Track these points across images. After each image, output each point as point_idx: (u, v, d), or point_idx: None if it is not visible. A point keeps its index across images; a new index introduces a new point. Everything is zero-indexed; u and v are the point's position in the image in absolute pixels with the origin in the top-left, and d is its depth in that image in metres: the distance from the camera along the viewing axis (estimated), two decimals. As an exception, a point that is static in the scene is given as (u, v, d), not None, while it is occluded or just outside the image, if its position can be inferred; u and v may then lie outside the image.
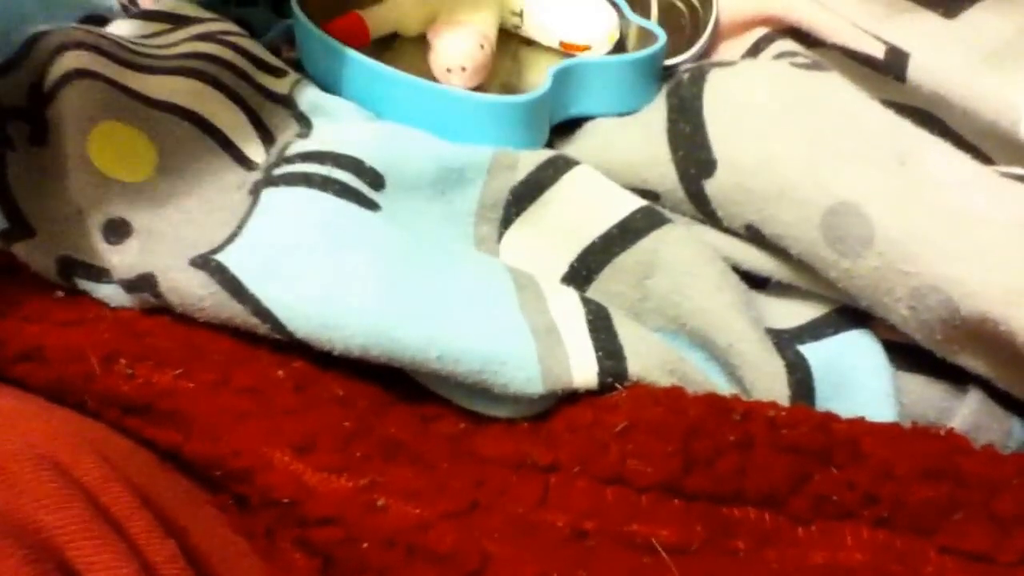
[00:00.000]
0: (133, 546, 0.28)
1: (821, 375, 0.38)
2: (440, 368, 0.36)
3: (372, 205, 0.41)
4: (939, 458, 0.35)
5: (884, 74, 0.46)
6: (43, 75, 0.40)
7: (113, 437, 0.35)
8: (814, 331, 0.41)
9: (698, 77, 0.44)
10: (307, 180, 0.40)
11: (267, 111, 0.45)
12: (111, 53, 0.41)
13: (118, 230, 0.38)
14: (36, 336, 0.36)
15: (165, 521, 0.31)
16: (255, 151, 0.44)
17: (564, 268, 0.42)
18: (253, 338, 0.37)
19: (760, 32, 0.51)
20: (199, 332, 0.37)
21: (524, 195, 0.43)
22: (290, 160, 0.42)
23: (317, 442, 0.35)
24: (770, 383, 0.37)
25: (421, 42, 0.49)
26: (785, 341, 0.39)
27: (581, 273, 0.42)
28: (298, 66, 0.50)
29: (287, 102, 0.46)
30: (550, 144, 0.47)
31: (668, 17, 0.52)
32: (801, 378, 0.38)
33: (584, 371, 0.37)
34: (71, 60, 0.40)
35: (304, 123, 0.45)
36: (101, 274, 0.38)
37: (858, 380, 0.39)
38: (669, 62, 0.49)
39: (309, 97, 0.46)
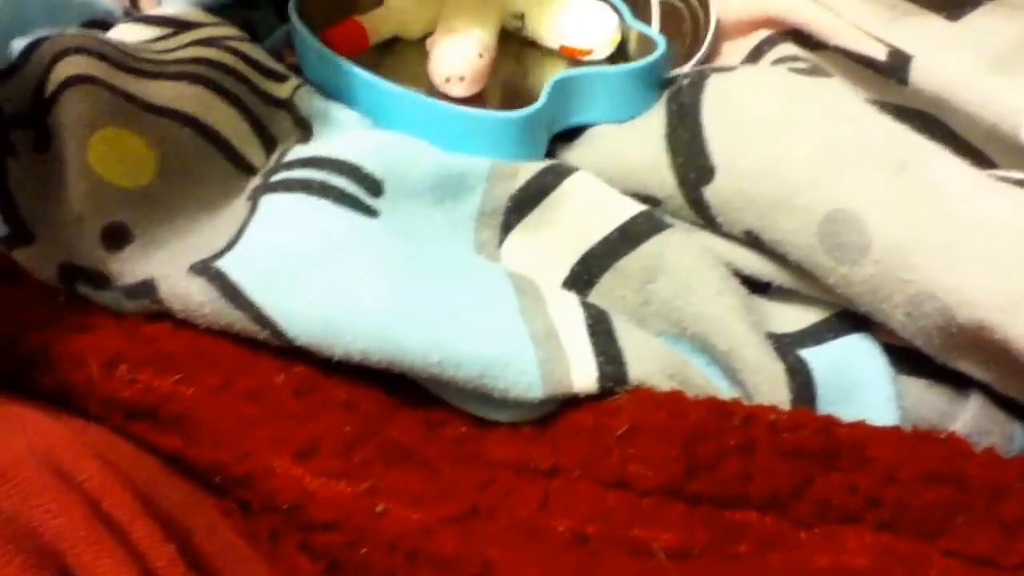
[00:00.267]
0: (134, 552, 0.28)
1: (823, 379, 0.38)
2: (440, 373, 0.36)
3: (371, 211, 0.41)
4: (941, 462, 0.35)
5: (886, 76, 0.46)
6: (44, 81, 0.40)
7: (117, 442, 0.35)
8: (815, 335, 0.40)
9: (697, 83, 0.45)
10: (305, 186, 0.40)
11: (268, 116, 0.45)
12: (112, 58, 0.41)
13: (118, 236, 0.38)
14: (38, 342, 0.36)
15: (169, 526, 0.31)
16: (256, 156, 0.44)
17: (565, 272, 0.42)
18: (255, 343, 0.37)
19: (763, 34, 0.51)
20: (201, 337, 0.37)
21: (525, 201, 0.43)
22: (288, 166, 0.42)
23: (318, 447, 0.35)
24: (771, 387, 0.37)
25: (424, 45, 0.49)
26: (786, 345, 0.39)
27: (582, 277, 0.42)
28: (300, 71, 0.50)
29: (288, 107, 0.46)
30: (552, 151, 0.47)
31: (669, 21, 0.52)
32: (802, 382, 0.38)
33: (584, 376, 0.37)
34: (72, 65, 0.40)
35: (305, 128, 0.46)
36: (102, 280, 0.38)
37: (860, 384, 0.39)
38: (669, 74, 0.49)
39: (310, 102, 0.46)
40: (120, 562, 0.27)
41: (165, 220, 0.40)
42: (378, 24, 0.50)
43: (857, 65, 0.47)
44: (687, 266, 0.40)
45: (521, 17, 0.51)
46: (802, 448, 0.35)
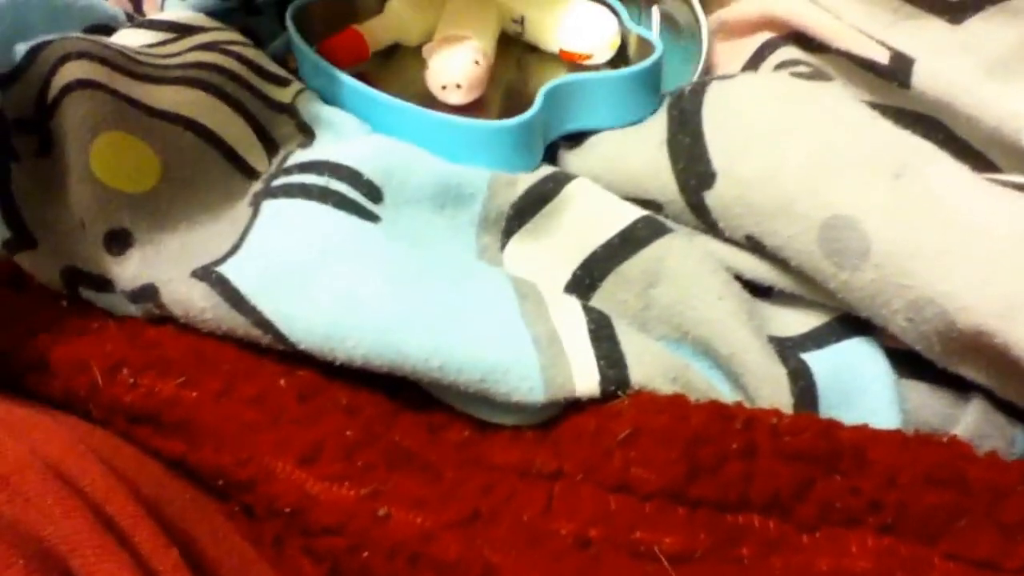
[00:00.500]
0: (137, 556, 0.28)
1: (824, 383, 0.38)
2: (442, 377, 0.36)
3: (371, 216, 0.41)
4: (943, 465, 0.35)
5: (888, 80, 0.46)
6: (47, 85, 0.40)
7: (120, 446, 0.35)
8: (817, 339, 0.40)
9: (699, 90, 0.45)
10: (305, 191, 0.40)
11: (271, 121, 0.45)
12: (115, 63, 0.41)
13: (120, 241, 0.38)
14: (41, 347, 0.36)
15: (173, 530, 0.31)
16: (259, 161, 0.44)
17: (567, 277, 0.42)
18: (258, 347, 0.37)
19: (764, 37, 0.51)
20: (204, 341, 0.37)
21: (526, 208, 0.43)
22: (288, 171, 0.42)
23: (320, 451, 0.35)
24: (773, 391, 0.37)
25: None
26: (788, 349, 0.39)
27: (584, 281, 0.42)
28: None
29: (290, 111, 0.46)
30: (553, 157, 0.47)
31: (669, 26, 0.52)
32: (804, 386, 0.38)
33: (586, 380, 0.37)
34: (74, 70, 0.40)
35: (307, 133, 0.46)
36: (105, 284, 0.38)
37: (861, 387, 0.39)
38: (665, 91, 0.49)
39: (312, 107, 0.46)
40: (123, 567, 0.27)
41: (167, 225, 0.40)
42: (378, 32, 0.50)
43: (859, 68, 0.47)
44: (689, 270, 0.40)
45: (521, 21, 0.51)
46: (804, 451, 0.35)
